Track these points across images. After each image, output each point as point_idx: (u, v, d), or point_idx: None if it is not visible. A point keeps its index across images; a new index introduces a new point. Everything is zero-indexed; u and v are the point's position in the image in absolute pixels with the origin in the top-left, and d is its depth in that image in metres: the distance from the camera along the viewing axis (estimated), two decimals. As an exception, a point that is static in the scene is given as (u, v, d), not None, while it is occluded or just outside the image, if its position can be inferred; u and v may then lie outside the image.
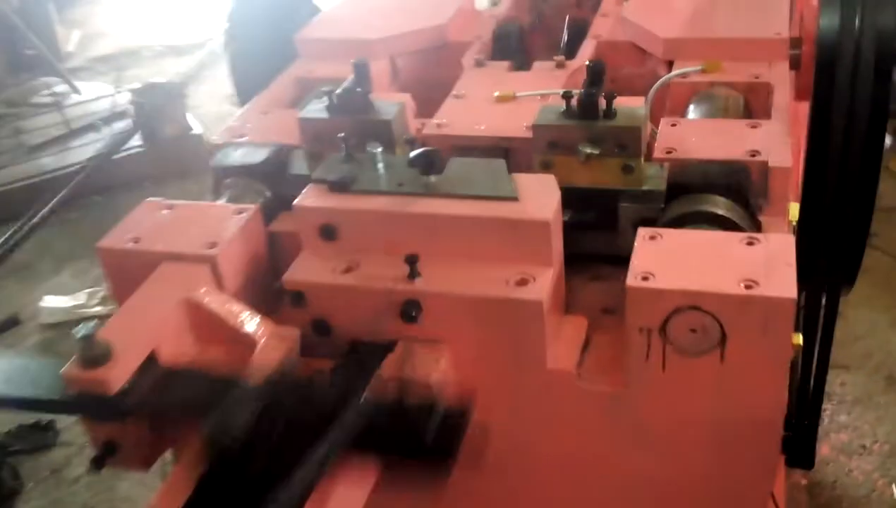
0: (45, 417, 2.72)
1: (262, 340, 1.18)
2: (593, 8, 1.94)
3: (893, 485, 2.16)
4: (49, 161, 4.17)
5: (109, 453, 1.14)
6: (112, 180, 4.06)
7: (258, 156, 1.46)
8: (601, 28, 1.82)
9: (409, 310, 1.19)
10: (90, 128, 4.42)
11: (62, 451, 2.61)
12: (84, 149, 4.23)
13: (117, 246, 1.32)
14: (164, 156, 4.13)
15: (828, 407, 2.39)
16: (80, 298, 3.26)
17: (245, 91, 1.98)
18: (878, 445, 2.27)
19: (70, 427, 2.70)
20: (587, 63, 1.36)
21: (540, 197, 1.21)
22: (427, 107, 1.60)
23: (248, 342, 1.20)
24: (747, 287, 1.06)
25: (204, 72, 5.49)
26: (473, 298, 1.17)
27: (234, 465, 0.98)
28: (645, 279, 1.10)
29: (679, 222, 1.23)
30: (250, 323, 1.21)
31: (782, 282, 1.06)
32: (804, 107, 1.53)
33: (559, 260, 1.22)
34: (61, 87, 4.99)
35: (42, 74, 5.31)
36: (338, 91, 1.42)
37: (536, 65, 1.70)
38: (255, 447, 0.99)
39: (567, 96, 1.32)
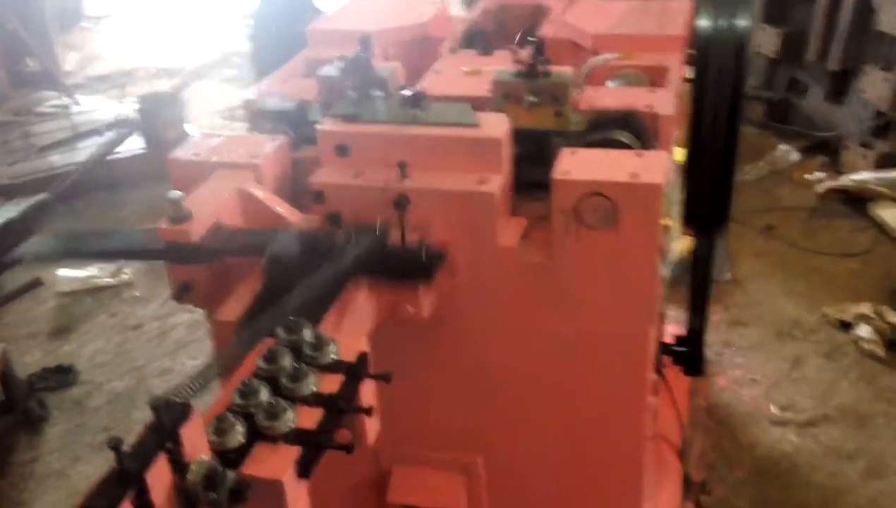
0: (66, 361, 3.11)
1: (294, 220, 1.66)
2: (543, 17, 2.48)
3: (772, 405, 2.68)
4: (57, 158, 4.60)
5: (185, 291, 1.59)
6: (116, 178, 4.50)
7: (289, 105, 1.95)
8: (548, 29, 2.36)
9: (401, 202, 1.67)
10: (94, 132, 4.86)
11: (82, 388, 3.00)
12: (89, 150, 4.67)
13: (184, 157, 1.79)
14: (163, 157, 4.56)
15: (727, 352, 2.91)
16: (91, 271, 3.66)
17: (263, 74, 2.48)
18: (765, 379, 2.79)
19: (88, 370, 3.10)
20: (532, 39, 1.88)
21: (494, 124, 1.71)
22: (412, 85, 2.10)
23: (282, 223, 1.67)
24: (632, 177, 1.57)
25: (196, 88, 5.98)
26: (446, 191, 1.66)
27: (283, 282, 1.43)
28: (565, 174, 1.60)
29: (595, 147, 1.75)
30: (285, 208, 1.69)
31: (654, 175, 1.57)
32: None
33: (508, 170, 1.71)
34: (63, 100, 5.43)
35: (43, 89, 5.74)
36: (348, 55, 1.92)
37: (497, 52, 2.23)
38: (298, 273, 1.44)
39: (517, 62, 1.84)
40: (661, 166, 1.61)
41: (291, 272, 1.45)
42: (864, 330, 2.90)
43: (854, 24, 3.91)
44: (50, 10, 6.19)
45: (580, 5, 2.42)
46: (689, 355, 2.29)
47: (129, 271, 3.63)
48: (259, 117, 1.97)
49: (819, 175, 3.96)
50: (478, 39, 2.42)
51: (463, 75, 2.09)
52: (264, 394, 1.18)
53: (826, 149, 4.16)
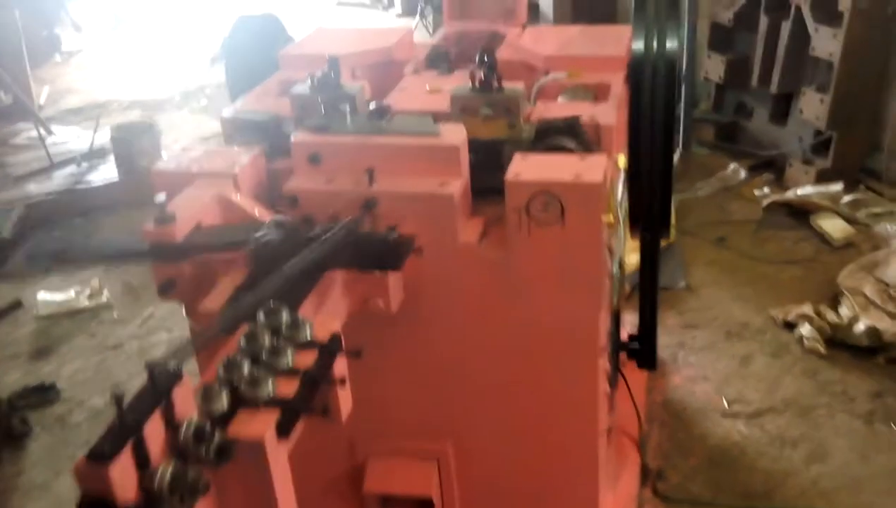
0: (48, 379, 3.19)
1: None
2: (498, 42, 2.68)
3: (723, 398, 2.85)
4: (34, 187, 4.69)
5: (169, 288, 1.72)
6: (92, 205, 4.60)
7: (263, 117, 2.11)
8: (504, 53, 2.56)
9: (369, 204, 1.83)
10: (70, 161, 4.96)
11: (64, 405, 3.07)
12: (66, 179, 4.78)
13: (166, 169, 1.93)
14: (139, 185, 4.68)
15: (681, 353, 3.09)
16: (70, 294, 3.74)
17: (238, 93, 2.64)
18: (716, 376, 2.97)
19: (69, 388, 3.17)
20: (486, 58, 2.07)
21: (453, 133, 1.88)
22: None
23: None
24: (576, 178, 1.75)
25: (173, 119, 6.13)
26: (410, 194, 1.82)
27: (267, 267, 1.57)
28: (516, 175, 1.78)
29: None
30: (262, 212, 1.84)
31: (595, 175, 1.75)
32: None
33: (466, 174, 1.88)
34: (38, 132, 5.53)
35: (17, 121, 5.83)
36: (318, 74, 2.09)
37: (456, 73, 2.41)
38: (280, 257, 1.58)
39: (472, 79, 2.02)
40: (602, 168, 1.79)
41: (275, 260, 1.59)
42: (805, 329, 3.10)
43: (791, 50, 4.18)
44: (43, 30, 6.32)
45: (532, 31, 2.63)
46: (642, 350, 2.46)
47: (107, 294, 3.72)
48: (236, 129, 2.13)
49: (766, 190, 4.20)
50: (439, 62, 2.61)
51: (425, 93, 2.27)
52: (246, 367, 1.32)
53: (772, 167, 4.41)
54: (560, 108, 2.13)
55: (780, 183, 4.28)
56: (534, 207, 1.77)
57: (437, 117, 2.09)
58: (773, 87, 4.34)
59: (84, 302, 3.70)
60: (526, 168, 1.80)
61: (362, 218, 1.70)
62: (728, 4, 4.59)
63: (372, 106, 1.96)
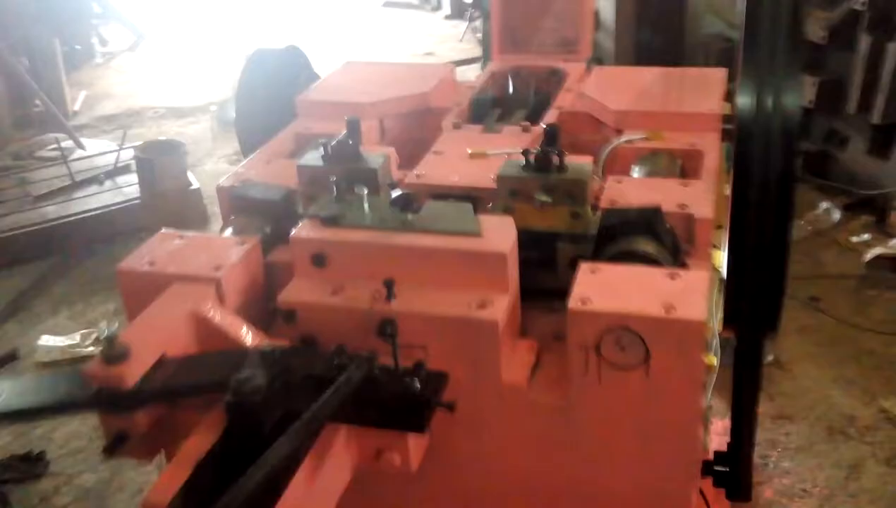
0: (36, 448, 2.85)
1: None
2: (558, 84, 2.21)
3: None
4: (52, 210, 4.37)
5: (119, 443, 1.31)
6: (112, 230, 4.28)
7: (267, 193, 1.68)
8: (563, 100, 2.08)
9: (385, 327, 1.39)
10: (93, 180, 4.63)
11: (51, 481, 2.72)
12: (87, 200, 4.46)
13: (135, 268, 1.52)
14: (163, 208, 4.34)
15: (773, 454, 2.57)
16: (75, 338, 3.40)
17: (249, 147, 2.21)
18: (818, 489, 2.44)
19: (59, 459, 2.83)
20: (545, 126, 1.60)
21: (499, 234, 1.43)
22: (410, 163, 1.83)
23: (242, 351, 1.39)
24: (666, 310, 1.27)
25: (206, 130, 5.79)
26: (440, 317, 1.37)
27: (251, 420, 1.15)
28: (584, 303, 1.31)
29: (615, 259, 1.45)
30: (247, 335, 1.41)
31: (694, 308, 1.28)
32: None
33: (515, 287, 1.43)
34: (67, 143, 5.24)
35: (48, 131, 5.57)
36: (332, 142, 1.65)
37: (506, 129, 1.95)
38: (269, 406, 1.17)
39: (526, 153, 1.56)
40: (702, 293, 1.31)
41: (261, 411, 1.17)
42: (926, 429, 2.56)
43: (900, 74, 3.60)
44: (63, 45, 6.07)
45: (600, 73, 2.15)
46: (733, 476, 1.97)
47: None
48: (235, 204, 1.72)
49: (865, 237, 3.62)
50: (485, 112, 2.15)
51: (465, 159, 1.81)
52: None
53: (871, 208, 3.82)
54: (636, 188, 1.65)
55: (882, 228, 3.69)
56: (607, 346, 1.31)
57: (481, 198, 1.64)
58: (875, 117, 3.75)
59: (89, 348, 3.36)
60: (595, 290, 1.33)
61: (374, 358, 1.26)
62: (821, 19, 4.00)
63: (395, 193, 1.51)
